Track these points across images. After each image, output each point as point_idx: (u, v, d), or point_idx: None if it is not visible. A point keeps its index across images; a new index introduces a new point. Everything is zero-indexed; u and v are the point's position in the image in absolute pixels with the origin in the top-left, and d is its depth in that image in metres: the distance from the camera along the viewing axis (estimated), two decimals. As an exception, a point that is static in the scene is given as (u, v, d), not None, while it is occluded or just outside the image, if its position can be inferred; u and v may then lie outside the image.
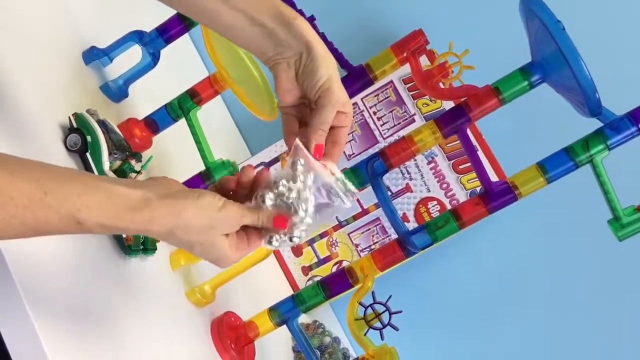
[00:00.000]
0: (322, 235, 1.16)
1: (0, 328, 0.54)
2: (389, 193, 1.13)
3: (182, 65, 1.17)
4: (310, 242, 1.17)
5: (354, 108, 1.14)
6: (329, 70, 0.58)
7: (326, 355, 1.03)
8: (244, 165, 0.60)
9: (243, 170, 0.59)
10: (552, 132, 0.97)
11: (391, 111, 1.13)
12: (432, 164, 1.11)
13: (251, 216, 0.56)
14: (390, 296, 0.77)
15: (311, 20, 0.77)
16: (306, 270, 1.17)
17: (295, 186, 0.57)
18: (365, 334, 0.76)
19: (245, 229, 0.57)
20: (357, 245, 1.15)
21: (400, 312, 0.76)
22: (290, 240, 0.57)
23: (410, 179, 1.12)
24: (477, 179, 1.07)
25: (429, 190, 1.11)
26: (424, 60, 0.98)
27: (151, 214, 0.50)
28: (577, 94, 0.65)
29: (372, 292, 0.77)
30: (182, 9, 0.62)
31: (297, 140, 0.58)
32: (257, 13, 0.58)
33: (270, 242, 0.57)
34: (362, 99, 1.14)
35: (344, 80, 0.78)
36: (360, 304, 0.77)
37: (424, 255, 1.07)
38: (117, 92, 0.88)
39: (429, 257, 1.13)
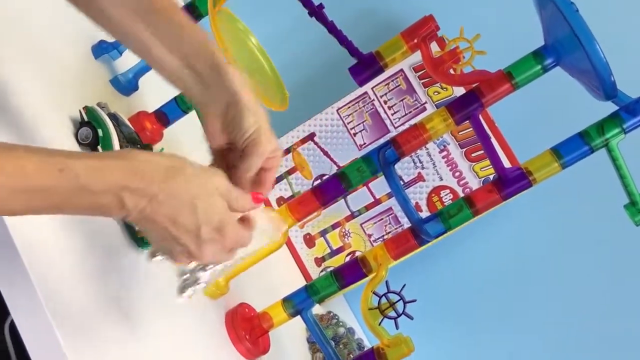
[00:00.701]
0: (334, 226, 1.16)
1: (16, 322, 0.54)
2: (402, 183, 1.13)
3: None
4: (323, 233, 1.17)
5: (364, 97, 1.15)
6: (257, 121, 0.57)
7: (341, 346, 1.03)
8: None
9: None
10: (565, 117, 0.96)
11: (402, 100, 1.12)
12: (444, 153, 1.10)
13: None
14: (405, 285, 0.77)
15: (319, 8, 0.76)
16: (319, 261, 1.17)
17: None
18: (379, 324, 0.76)
19: None
20: (370, 236, 1.15)
21: (415, 301, 0.76)
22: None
23: (423, 168, 1.11)
24: (490, 166, 1.06)
25: (441, 179, 1.11)
26: (434, 47, 0.97)
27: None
28: (592, 77, 0.64)
29: (386, 281, 0.77)
30: (111, 31, 0.61)
31: None
32: (191, 57, 0.57)
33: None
34: (372, 89, 1.14)
35: (355, 69, 0.77)
36: (374, 293, 0.76)
37: (439, 244, 1.07)
38: (127, 85, 0.88)
39: (445, 245, 1.12)
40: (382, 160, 0.73)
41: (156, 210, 0.50)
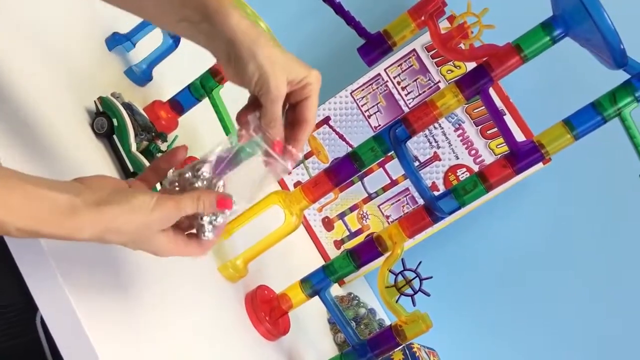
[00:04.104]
0: (352, 209, 1.17)
1: (39, 306, 0.56)
2: (417, 163, 1.13)
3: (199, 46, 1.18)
4: (341, 215, 1.17)
5: (377, 79, 1.14)
6: (259, 66, 0.53)
7: (362, 326, 1.04)
8: (176, 146, 0.58)
9: (174, 151, 0.57)
10: (580, 88, 0.94)
11: (415, 80, 1.12)
12: (460, 131, 1.10)
13: (192, 204, 0.53)
14: (420, 262, 0.77)
15: (327, -11, 0.76)
16: (338, 244, 1.18)
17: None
18: (396, 301, 0.77)
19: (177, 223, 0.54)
20: (387, 217, 1.15)
21: (431, 277, 0.76)
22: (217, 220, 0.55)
23: (438, 147, 1.11)
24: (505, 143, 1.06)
25: (457, 158, 1.10)
26: (445, 24, 0.97)
27: (79, 222, 0.47)
28: (601, 46, 0.63)
29: (402, 259, 0.78)
30: None
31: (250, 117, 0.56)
32: (183, 9, 0.54)
33: (204, 231, 0.56)
34: (385, 70, 1.14)
35: (363, 49, 0.77)
36: (391, 271, 0.77)
37: (457, 223, 1.07)
38: (141, 75, 0.89)
39: (461, 225, 1.12)
40: (393, 138, 0.73)
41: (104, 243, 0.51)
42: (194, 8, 0.54)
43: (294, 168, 0.65)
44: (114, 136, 0.72)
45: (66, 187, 0.48)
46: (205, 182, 0.56)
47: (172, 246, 0.54)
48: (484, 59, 0.71)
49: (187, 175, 0.56)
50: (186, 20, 0.54)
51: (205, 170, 0.56)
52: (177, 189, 0.56)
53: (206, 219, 0.55)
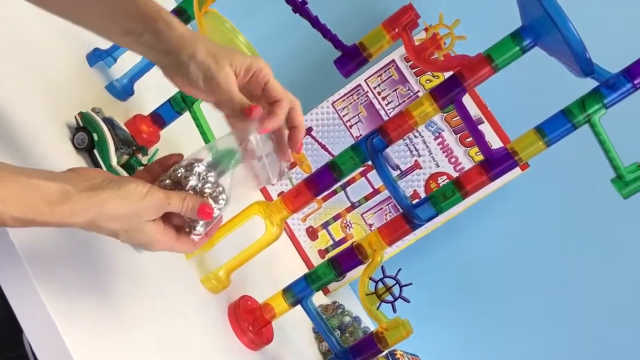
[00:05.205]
0: (335, 218, 1.18)
1: (15, 311, 0.56)
2: (399, 171, 1.14)
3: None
4: (325, 225, 1.19)
5: (357, 90, 1.16)
6: (201, 59, 0.55)
7: (347, 334, 1.05)
8: (173, 153, 0.59)
9: (170, 156, 0.58)
10: (556, 95, 0.96)
11: (395, 90, 1.14)
12: (440, 139, 1.12)
13: (177, 203, 0.54)
14: (400, 269, 0.79)
15: (303, 4, 0.78)
16: (323, 253, 1.19)
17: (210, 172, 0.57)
18: (377, 308, 0.78)
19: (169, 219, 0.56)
20: (370, 225, 1.16)
21: (411, 284, 0.78)
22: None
23: (419, 155, 1.13)
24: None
25: (437, 166, 1.12)
26: (422, 35, 0.99)
27: (71, 207, 0.49)
28: (568, 55, 0.65)
29: (382, 267, 0.79)
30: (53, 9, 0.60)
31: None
32: (122, 17, 0.55)
33: (193, 229, 0.57)
34: (365, 80, 1.15)
35: (339, 61, 0.79)
36: (371, 278, 0.78)
37: (440, 230, 1.08)
38: (122, 90, 0.90)
39: (446, 231, 1.14)
40: (370, 148, 0.75)
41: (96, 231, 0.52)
42: (136, 20, 0.55)
43: (279, 181, 0.67)
44: (95, 150, 0.73)
45: (59, 176, 0.50)
46: (200, 179, 0.57)
47: (162, 238, 0.55)
48: (457, 69, 0.72)
49: (179, 172, 0.57)
50: (129, 33, 0.56)
51: (199, 168, 0.57)
52: (169, 184, 0.57)
53: None
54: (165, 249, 0.56)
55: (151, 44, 0.55)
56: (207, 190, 0.56)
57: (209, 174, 0.57)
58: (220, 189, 0.57)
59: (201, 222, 0.57)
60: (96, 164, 0.73)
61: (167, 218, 0.56)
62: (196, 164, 0.57)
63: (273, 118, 0.58)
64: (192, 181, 0.56)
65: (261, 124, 0.57)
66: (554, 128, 0.70)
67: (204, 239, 0.59)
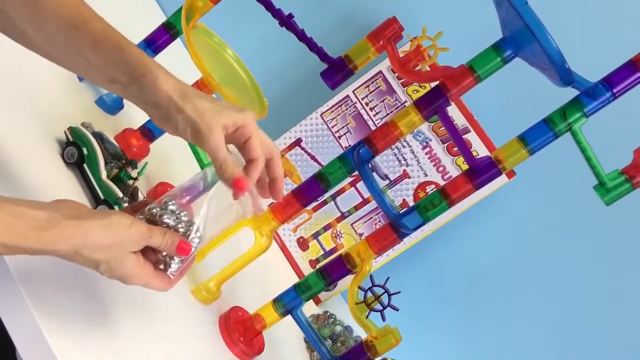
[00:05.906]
0: (326, 228, 1.19)
1: (6, 324, 0.57)
2: (388, 181, 1.15)
3: (175, 69, 1.20)
4: (316, 235, 1.19)
5: (346, 101, 1.17)
6: (189, 114, 0.55)
7: (338, 344, 1.06)
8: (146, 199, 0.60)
9: (144, 201, 0.60)
10: (540, 104, 0.98)
11: (383, 100, 1.15)
12: (427, 149, 1.13)
13: (158, 237, 0.56)
14: (388, 278, 0.79)
15: (289, 17, 0.79)
16: (314, 263, 1.20)
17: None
18: (367, 317, 0.79)
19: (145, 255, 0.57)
20: (360, 235, 1.17)
21: (399, 292, 0.78)
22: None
23: (407, 165, 1.14)
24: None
25: (426, 175, 1.13)
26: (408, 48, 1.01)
27: (57, 233, 0.50)
28: (548, 65, 0.66)
29: (371, 276, 0.80)
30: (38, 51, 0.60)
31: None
32: (110, 67, 0.56)
33: (169, 266, 0.58)
34: (353, 91, 1.17)
35: (326, 73, 0.80)
36: (360, 288, 0.79)
37: (432, 237, 1.09)
38: (112, 104, 0.91)
39: (434, 240, 1.15)
40: (356, 158, 0.76)
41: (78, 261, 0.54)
42: (123, 71, 0.56)
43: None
44: (85, 165, 0.74)
45: (46, 204, 0.51)
46: (173, 216, 0.58)
47: (141, 271, 0.56)
48: (441, 80, 0.74)
49: (154, 210, 0.58)
50: (115, 82, 0.57)
51: (173, 206, 0.58)
52: (146, 219, 0.58)
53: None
54: (141, 283, 0.57)
55: (139, 96, 0.57)
56: (180, 230, 0.58)
57: (181, 213, 0.58)
58: (195, 227, 0.58)
59: (176, 260, 0.58)
60: (86, 178, 0.74)
61: (143, 253, 0.57)
62: (170, 202, 0.58)
63: (249, 181, 0.59)
64: (166, 219, 0.58)
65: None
66: (536, 137, 0.71)
67: (178, 277, 0.60)
